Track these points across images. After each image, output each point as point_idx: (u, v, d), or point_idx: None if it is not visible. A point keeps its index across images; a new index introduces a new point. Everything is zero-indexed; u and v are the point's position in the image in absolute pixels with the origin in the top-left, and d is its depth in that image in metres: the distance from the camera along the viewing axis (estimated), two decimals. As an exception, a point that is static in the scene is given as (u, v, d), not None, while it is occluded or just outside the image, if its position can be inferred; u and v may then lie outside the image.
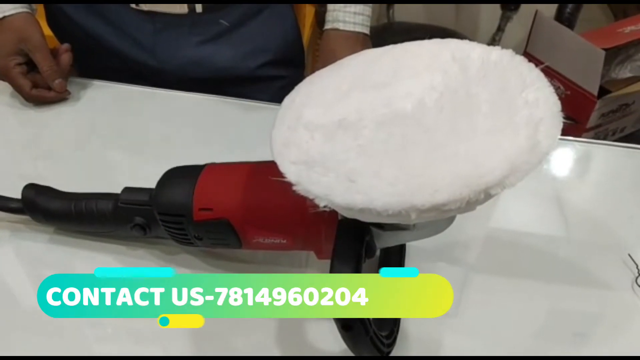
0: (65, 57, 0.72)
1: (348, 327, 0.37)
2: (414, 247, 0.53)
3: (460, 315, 0.49)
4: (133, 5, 0.74)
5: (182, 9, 0.73)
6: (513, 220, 0.59)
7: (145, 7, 0.73)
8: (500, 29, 1.64)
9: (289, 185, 0.36)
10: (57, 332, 0.48)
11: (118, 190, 0.51)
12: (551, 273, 0.53)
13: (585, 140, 0.70)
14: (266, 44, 0.81)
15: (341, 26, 0.74)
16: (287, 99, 0.43)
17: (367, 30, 0.75)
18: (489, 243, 0.56)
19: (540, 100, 0.35)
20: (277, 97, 0.78)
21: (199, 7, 0.74)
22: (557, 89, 1.49)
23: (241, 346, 0.47)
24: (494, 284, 0.52)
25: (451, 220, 0.43)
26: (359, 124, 0.37)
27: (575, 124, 1.39)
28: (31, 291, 0.52)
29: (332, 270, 0.37)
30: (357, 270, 0.37)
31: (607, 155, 0.68)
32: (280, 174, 0.37)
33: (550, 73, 1.39)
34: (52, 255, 0.54)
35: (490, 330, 0.48)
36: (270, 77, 0.84)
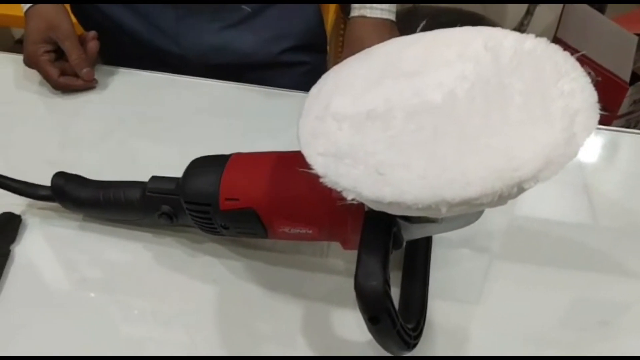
0: (93, 45, 0.72)
1: (376, 319, 0.37)
2: (438, 236, 0.52)
3: (485, 305, 0.49)
4: None
5: None
6: (539, 208, 0.58)
7: None
8: (529, 12, 1.61)
9: (316, 176, 0.36)
10: (84, 315, 0.49)
11: (143, 178, 0.51)
12: (577, 262, 0.52)
13: (614, 129, 0.68)
14: (288, 29, 0.81)
15: (368, 13, 0.73)
16: (315, 88, 0.43)
17: (393, 17, 0.74)
18: (514, 232, 0.56)
19: (577, 90, 0.34)
20: (299, 83, 0.78)
21: None
22: (587, 74, 1.45)
23: (266, 333, 0.47)
24: (519, 273, 0.51)
25: (480, 213, 0.42)
26: (388, 114, 0.37)
27: (606, 110, 1.35)
28: (60, 276, 0.53)
29: (359, 261, 0.37)
30: (385, 262, 0.37)
31: (637, 143, 0.67)
32: (307, 165, 0.36)
33: (580, 59, 1.34)
34: (81, 241, 0.55)
35: (515, 319, 0.48)
36: (292, 63, 0.83)
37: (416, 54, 0.41)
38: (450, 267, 0.52)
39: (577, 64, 0.36)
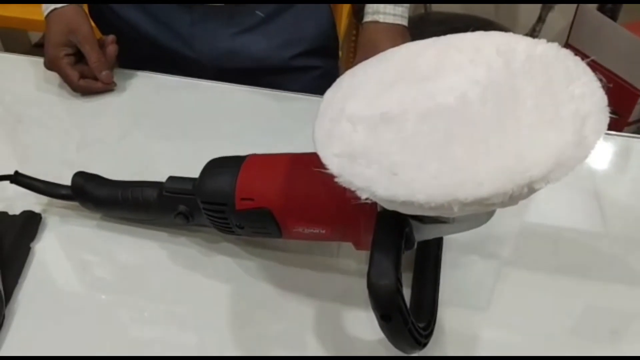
0: (112, 49, 0.74)
1: (388, 317, 0.37)
2: (448, 239, 0.53)
3: (495, 309, 0.49)
4: None
5: None
6: (549, 214, 0.58)
7: None
8: (540, 19, 1.61)
9: (330, 176, 0.37)
10: (97, 315, 0.50)
11: (160, 179, 0.52)
12: (588, 269, 0.52)
13: (626, 135, 0.69)
14: (300, 34, 0.82)
15: (381, 18, 0.74)
16: (330, 92, 0.44)
17: (406, 22, 0.75)
18: (524, 237, 0.56)
19: (587, 94, 0.35)
20: (311, 87, 0.79)
21: None
22: (598, 80, 1.45)
23: (278, 333, 0.48)
24: (529, 279, 0.52)
25: (491, 214, 0.43)
26: (401, 116, 0.38)
27: (617, 117, 1.35)
28: (78, 274, 0.54)
29: (372, 261, 0.38)
30: (397, 262, 0.38)
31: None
32: (322, 166, 0.37)
33: (592, 65, 1.35)
34: (99, 240, 0.56)
35: (524, 324, 0.48)
36: (305, 68, 0.84)
37: (429, 58, 0.42)
38: (460, 271, 0.52)
39: (588, 69, 0.37)
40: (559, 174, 0.32)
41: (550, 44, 0.39)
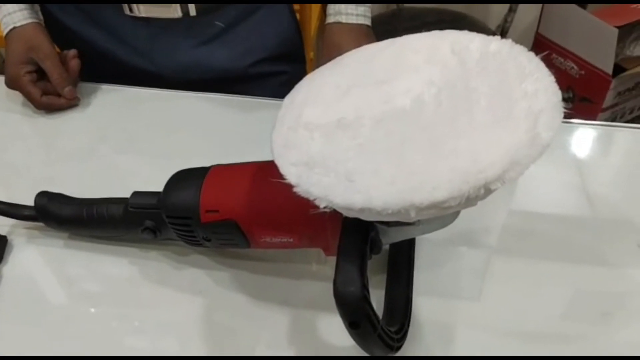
0: (74, 64, 0.73)
1: (355, 324, 0.37)
2: (433, 234, 0.53)
3: (481, 301, 0.49)
4: (127, 12, 0.74)
5: (176, 12, 0.73)
6: (533, 204, 0.59)
7: (138, 12, 0.74)
8: (511, 9, 1.62)
9: (291, 186, 0.36)
10: (72, 329, 0.49)
11: (129, 193, 0.52)
12: (574, 256, 0.53)
13: (606, 124, 0.69)
14: (262, 41, 0.81)
15: (344, 19, 0.74)
16: (288, 99, 0.43)
17: (369, 22, 0.75)
18: (508, 227, 0.56)
19: (540, 91, 0.35)
20: (278, 93, 0.78)
21: (192, 11, 0.74)
22: (571, 69, 1.46)
23: (254, 341, 0.48)
24: (517, 269, 0.52)
25: (457, 213, 0.43)
26: (357, 122, 0.37)
27: (591, 104, 1.36)
28: (46, 295, 0.53)
29: (338, 268, 0.38)
30: (362, 267, 0.37)
31: (627, 137, 0.68)
32: (282, 175, 0.37)
33: (563, 53, 1.37)
34: (67, 259, 0.55)
35: (515, 314, 0.48)
36: (270, 74, 0.84)
37: (385, 61, 0.42)
38: (446, 264, 0.52)
39: (542, 64, 0.37)
40: (514, 173, 0.32)
41: (503, 40, 0.39)
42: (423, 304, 0.49)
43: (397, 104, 0.37)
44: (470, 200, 0.32)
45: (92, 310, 0.51)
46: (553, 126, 0.33)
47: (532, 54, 0.38)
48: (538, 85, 0.35)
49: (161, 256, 0.55)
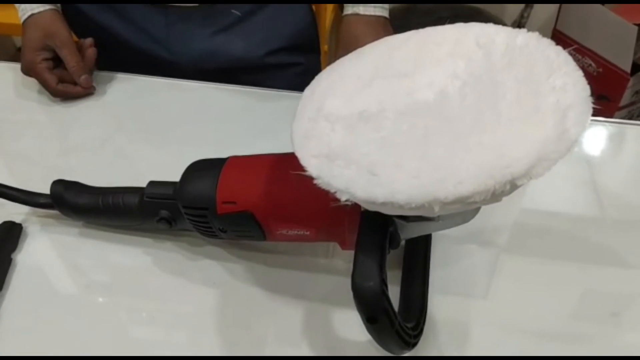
0: (91, 52, 0.73)
1: (373, 319, 0.37)
2: (444, 231, 0.52)
3: (492, 299, 0.49)
4: None
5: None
6: (545, 202, 0.58)
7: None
8: (528, 5, 1.60)
9: (311, 178, 0.36)
10: (87, 319, 0.49)
11: (143, 182, 0.51)
12: (585, 255, 0.52)
13: (620, 121, 0.68)
14: (278, 31, 0.81)
15: (362, 10, 0.73)
16: (308, 90, 0.43)
17: (387, 14, 0.74)
18: (521, 226, 0.56)
19: (568, 85, 0.34)
20: (293, 84, 0.78)
21: None
22: (588, 66, 1.44)
23: (267, 335, 0.48)
24: (526, 267, 0.52)
25: (477, 210, 0.42)
26: (380, 115, 0.37)
27: (608, 102, 1.35)
28: (61, 282, 0.53)
29: (356, 262, 0.37)
30: (381, 262, 0.37)
31: (641, 135, 0.67)
32: (301, 167, 0.36)
33: (581, 50, 1.35)
34: (81, 248, 0.55)
35: (525, 313, 0.48)
36: (285, 64, 0.83)
37: (407, 53, 0.41)
38: (457, 262, 0.52)
39: (570, 58, 0.36)
40: (541, 169, 0.31)
41: (530, 33, 0.38)
42: (436, 302, 0.48)
43: (421, 97, 0.37)
44: (495, 195, 0.31)
45: (105, 300, 0.51)
46: (582, 121, 0.32)
47: (559, 47, 0.37)
48: (567, 79, 0.34)
49: (175, 247, 0.54)
